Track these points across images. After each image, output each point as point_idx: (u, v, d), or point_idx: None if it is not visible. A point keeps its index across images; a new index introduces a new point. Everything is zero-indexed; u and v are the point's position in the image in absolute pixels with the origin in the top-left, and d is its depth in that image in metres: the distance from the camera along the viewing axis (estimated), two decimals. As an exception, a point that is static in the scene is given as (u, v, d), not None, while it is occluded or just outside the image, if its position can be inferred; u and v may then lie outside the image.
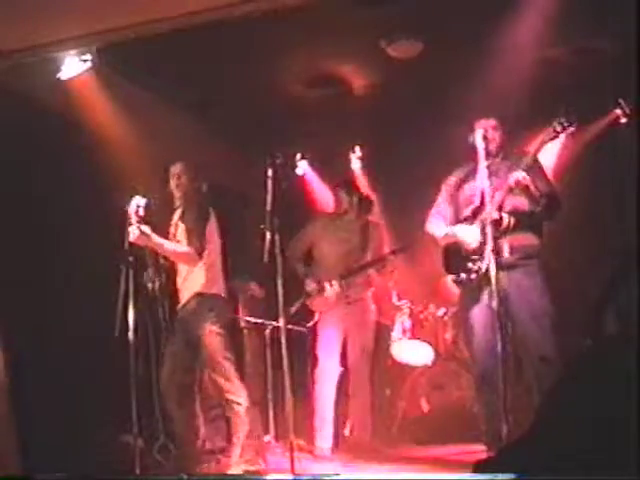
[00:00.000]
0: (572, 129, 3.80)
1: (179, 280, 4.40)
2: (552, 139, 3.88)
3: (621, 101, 5.56)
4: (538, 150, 3.93)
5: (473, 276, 3.98)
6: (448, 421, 5.36)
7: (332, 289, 5.04)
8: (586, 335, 4.27)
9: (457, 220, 4.18)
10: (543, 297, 3.98)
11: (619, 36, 4.41)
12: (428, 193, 5.73)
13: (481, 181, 3.88)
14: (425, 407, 5.51)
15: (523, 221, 3.99)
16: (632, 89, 4.26)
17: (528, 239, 4.03)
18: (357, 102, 5.98)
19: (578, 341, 4.42)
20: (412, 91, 5.52)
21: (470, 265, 3.99)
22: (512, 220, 3.93)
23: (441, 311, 5.87)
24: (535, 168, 3.97)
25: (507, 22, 4.61)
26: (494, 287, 3.68)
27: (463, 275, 4.03)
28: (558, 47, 5.20)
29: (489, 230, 3.77)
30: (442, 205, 4.33)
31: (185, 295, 4.37)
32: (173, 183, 4.41)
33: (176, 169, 4.43)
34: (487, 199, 3.87)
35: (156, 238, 4.15)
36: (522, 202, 4.01)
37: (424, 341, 5.82)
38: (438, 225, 4.30)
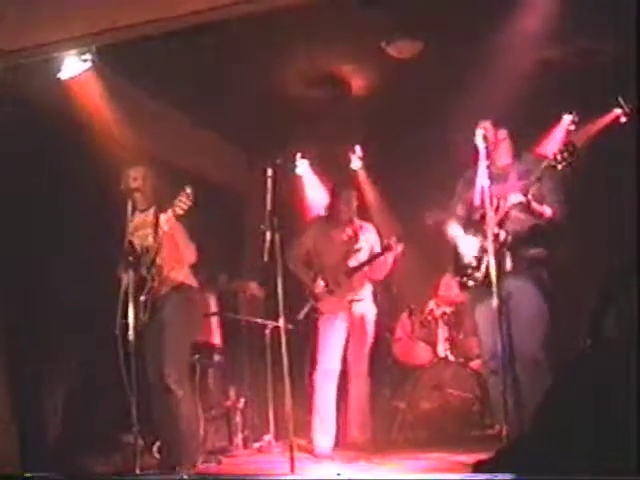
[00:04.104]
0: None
1: (164, 274, 4.42)
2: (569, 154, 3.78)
3: (621, 101, 5.55)
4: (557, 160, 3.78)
5: (473, 282, 4.05)
6: (448, 421, 5.36)
7: (340, 290, 5.04)
8: (586, 336, 4.27)
9: (469, 221, 4.18)
10: (544, 300, 4.00)
11: (619, 36, 4.40)
12: (428, 192, 5.75)
13: (483, 181, 3.87)
14: (425, 407, 5.51)
15: (526, 235, 3.99)
16: (632, 89, 4.25)
17: (533, 250, 4.02)
18: (357, 102, 5.98)
19: (577, 342, 4.42)
20: (412, 91, 5.52)
21: (471, 271, 4.06)
22: (510, 237, 3.93)
23: (441, 311, 5.87)
24: (547, 177, 3.87)
25: (507, 22, 4.60)
26: (493, 293, 3.72)
27: (465, 279, 4.10)
28: (558, 47, 5.20)
29: (488, 244, 3.78)
30: (455, 206, 4.34)
31: (166, 288, 4.40)
32: (136, 184, 4.43)
33: (137, 172, 4.46)
34: (492, 207, 3.85)
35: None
36: (524, 218, 3.98)
37: (424, 341, 5.82)
38: (452, 227, 4.32)
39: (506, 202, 3.89)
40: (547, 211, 3.95)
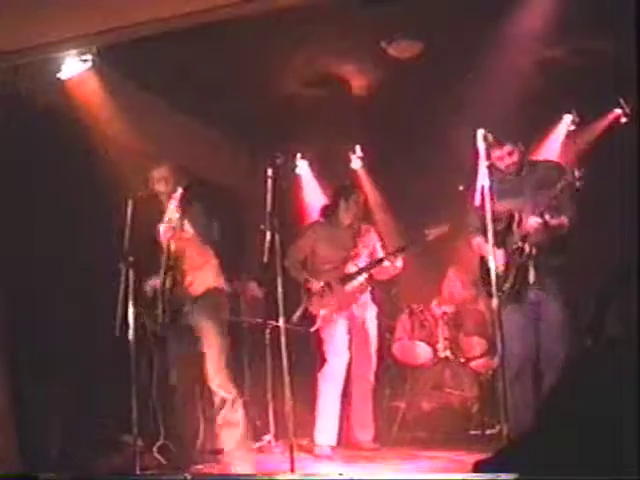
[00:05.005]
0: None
1: (187, 280, 4.40)
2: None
3: (621, 101, 5.56)
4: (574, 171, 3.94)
5: (502, 293, 4.11)
6: (448, 421, 5.36)
7: (332, 294, 5.04)
8: (586, 336, 4.29)
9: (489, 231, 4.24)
10: (567, 306, 4.18)
11: (619, 36, 4.40)
12: (428, 193, 5.75)
13: (484, 181, 3.87)
14: (425, 407, 5.51)
15: (547, 245, 4.12)
16: (632, 89, 4.25)
17: (554, 258, 4.16)
18: (357, 102, 5.98)
19: (581, 342, 4.45)
20: (412, 91, 5.52)
21: (499, 282, 4.10)
22: (534, 250, 4.09)
23: (441, 311, 5.86)
24: (567, 190, 4.00)
25: (507, 22, 4.61)
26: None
27: (493, 289, 4.12)
28: (558, 47, 5.20)
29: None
30: (472, 217, 4.39)
31: (190, 294, 4.38)
32: (161, 186, 4.40)
33: (162, 172, 4.43)
34: (514, 221, 4.11)
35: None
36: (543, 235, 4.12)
37: (424, 341, 5.82)
38: (477, 239, 4.42)
39: (526, 218, 4.06)
40: (565, 221, 4.08)
